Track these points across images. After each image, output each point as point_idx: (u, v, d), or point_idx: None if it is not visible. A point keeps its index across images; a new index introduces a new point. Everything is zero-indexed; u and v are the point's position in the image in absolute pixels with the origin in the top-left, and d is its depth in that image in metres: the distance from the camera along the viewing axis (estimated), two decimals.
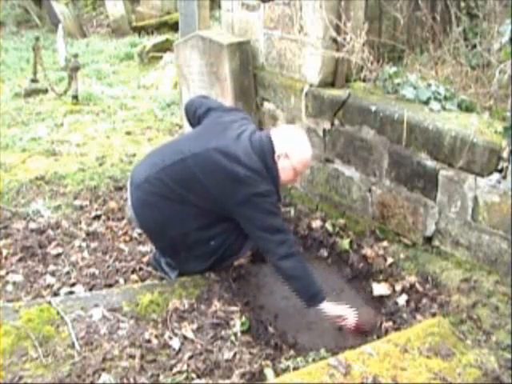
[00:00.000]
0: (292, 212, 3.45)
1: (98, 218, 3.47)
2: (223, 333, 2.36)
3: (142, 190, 2.65)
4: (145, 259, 3.06)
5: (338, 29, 3.05)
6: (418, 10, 3.39)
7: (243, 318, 2.46)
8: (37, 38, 6.32)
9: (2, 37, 9.30)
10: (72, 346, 2.17)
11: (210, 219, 2.61)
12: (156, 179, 2.61)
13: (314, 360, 2.27)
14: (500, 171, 2.42)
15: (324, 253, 3.09)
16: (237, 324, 2.42)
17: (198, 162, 2.54)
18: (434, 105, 2.82)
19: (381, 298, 2.71)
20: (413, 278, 2.71)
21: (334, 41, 3.10)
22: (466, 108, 2.86)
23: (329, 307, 2.51)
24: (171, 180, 2.58)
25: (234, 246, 2.67)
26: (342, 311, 2.52)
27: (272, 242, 2.50)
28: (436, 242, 2.80)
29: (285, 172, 2.61)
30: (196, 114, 2.84)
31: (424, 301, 2.59)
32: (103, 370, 2.08)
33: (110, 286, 2.81)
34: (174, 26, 8.19)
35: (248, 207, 2.48)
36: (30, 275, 2.90)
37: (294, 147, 2.61)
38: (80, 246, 3.16)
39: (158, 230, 2.70)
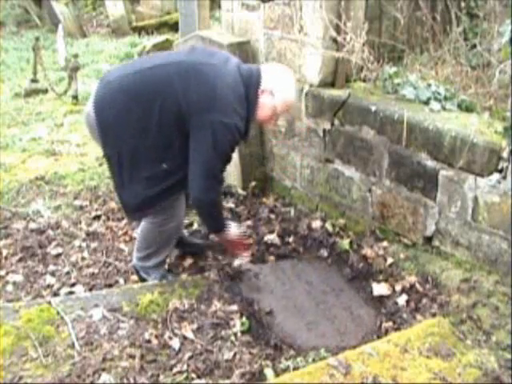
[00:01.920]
0: (292, 212, 3.45)
1: (98, 218, 3.47)
2: (223, 333, 2.37)
3: (111, 87, 2.50)
4: None
5: (337, 29, 3.05)
6: (418, 9, 3.39)
7: (243, 318, 2.46)
8: (37, 38, 6.32)
9: (2, 37, 9.29)
10: (72, 346, 2.17)
11: (167, 138, 2.46)
12: (129, 78, 2.47)
13: (314, 360, 2.27)
14: (500, 171, 2.42)
15: (324, 253, 3.09)
16: (237, 324, 2.42)
17: (180, 69, 2.45)
18: (434, 105, 2.82)
19: (381, 297, 2.71)
20: (413, 278, 2.71)
21: (334, 41, 3.10)
22: (466, 108, 2.86)
23: (228, 233, 2.69)
24: (143, 82, 2.45)
25: (185, 181, 2.51)
26: (234, 232, 2.72)
27: (202, 183, 2.47)
28: (436, 242, 2.80)
29: (264, 108, 2.57)
30: None
31: (424, 301, 2.59)
32: (103, 369, 2.08)
33: (110, 285, 2.82)
34: (174, 26, 8.19)
35: (204, 132, 2.39)
36: (30, 275, 2.90)
37: (280, 85, 2.59)
38: (80, 246, 3.16)
39: (111, 134, 2.49)
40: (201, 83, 2.42)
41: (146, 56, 2.85)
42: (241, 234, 2.79)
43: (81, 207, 3.58)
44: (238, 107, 2.47)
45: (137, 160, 2.49)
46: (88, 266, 2.99)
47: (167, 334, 2.31)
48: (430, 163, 2.71)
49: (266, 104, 2.57)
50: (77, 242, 3.19)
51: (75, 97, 5.76)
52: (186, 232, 3.16)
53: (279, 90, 2.57)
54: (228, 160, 2.57)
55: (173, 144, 2.47)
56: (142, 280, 2.78)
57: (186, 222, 3.23)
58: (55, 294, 2.73)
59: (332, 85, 3.24)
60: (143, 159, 2.48)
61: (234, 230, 2.72)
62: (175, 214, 2.67)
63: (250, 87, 2.52)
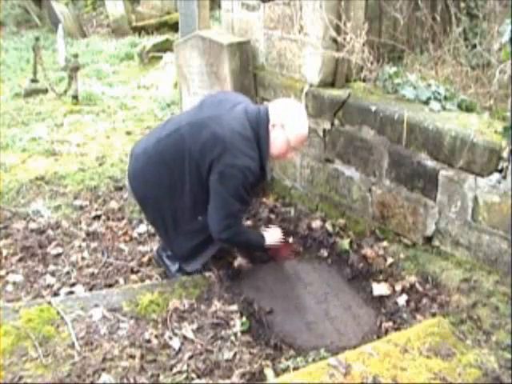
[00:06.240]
0: (292, 212, 3.45)
1: (98, 218, 3.47)
2: (223, 333, 2.37)
3: (139, 161, 2.72)
4: (145, 259, 3.06)
5: (338, 29, 3.05)
6: (418, 10, 3.39)
7: (243, 318, 2.46)
8: (37, 38, 6.32)
9: (2, 37, 9.29)
10: (72, 346, 2.17)
11: (198, 195, 2.62)
12: (153, 150, 2.66)
13: (314, 360, 2.27)
14: (500, 171, 2.42)
15: (324, 253, 3.09)
16: (237, 324, 2.42)
17: (191, 130, 2.59)
18: (434, 105, 2.82)
19: (381, 297, 2.71)
20: (413, 278, 2.71)
21: (334, 41, 3.10)
22: (466, 108, 2.86)
23: (268, 241, 2.80)
24: (166, 152, 2.62)
25: None
26: (273, 237, 2.84)
27: (219, 224, 2.58)
28: (436, 242, 2.80)
29: (277, 143, 2.60)
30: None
31: (424, 301, 2.59)
32: (103, 370, 2.08)
33: (110, 285, 2.82)
34: (174, 26, 8.19)
35: (220, 178, 2.51)
36: (30, 275, 2.90)
37: (291, 118, 2.61)
38: (80, 246, 3.16)
39: (150, 203, 2.73)
40: (209, 137, 2.53)
41: (163, 122, 2.98)
42: (279, 240, 2.88)
43: (81, 207, 3.58)
44: (248, 150, 2.53)
45: (178, 219, 2.69)
46: (88, 266, 2.99)
47: (167, 333, 2.31)
48: (430, 163, 2.71)
49: (277, 138, 2.59)
50: (77, 242, 3.19)
51: (75, 97, 5.76)
52: None
53: (289, 122, 2.59)
54: (245, 201, 2.64)
55: (204, 198, 2.60)
56: (166, 267, 2.89)
57: None
58: (55, 294, 2.73)
59: (332, 85, 3.24)
60: (183, 217, 2.68)
61: (271, 239, 2.83)
62: None
63: (259, 126, 2.57)
